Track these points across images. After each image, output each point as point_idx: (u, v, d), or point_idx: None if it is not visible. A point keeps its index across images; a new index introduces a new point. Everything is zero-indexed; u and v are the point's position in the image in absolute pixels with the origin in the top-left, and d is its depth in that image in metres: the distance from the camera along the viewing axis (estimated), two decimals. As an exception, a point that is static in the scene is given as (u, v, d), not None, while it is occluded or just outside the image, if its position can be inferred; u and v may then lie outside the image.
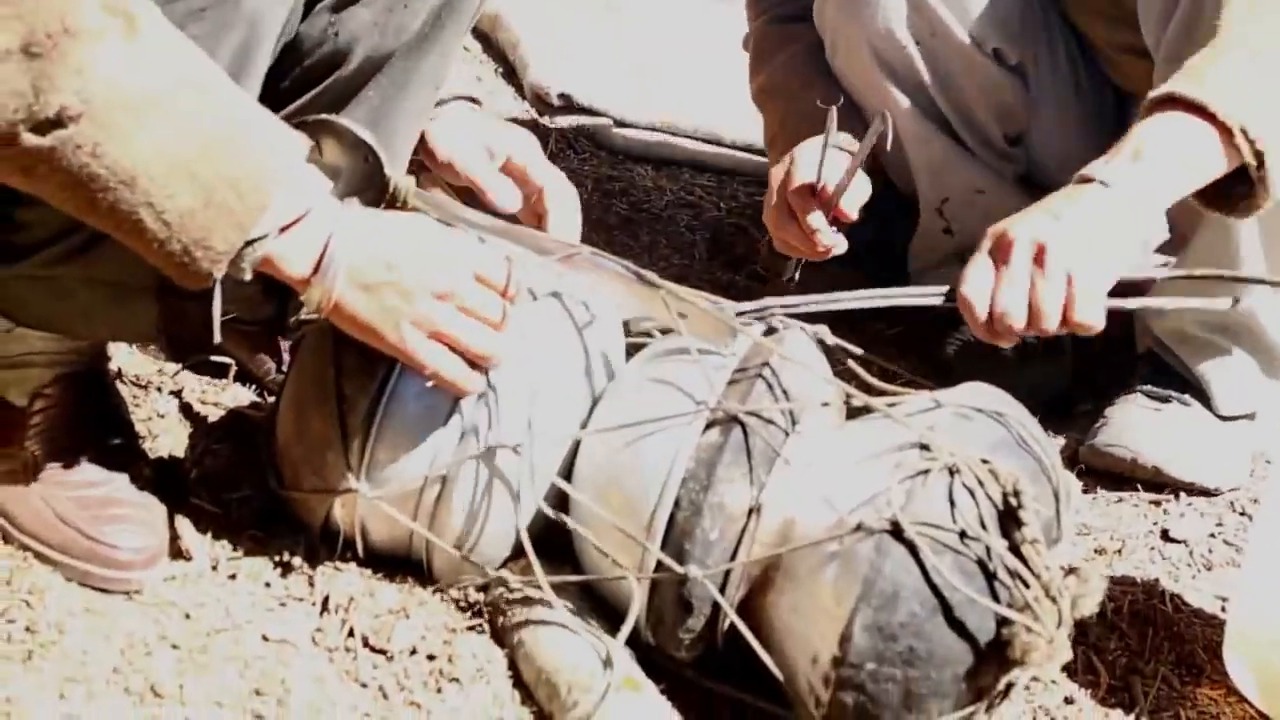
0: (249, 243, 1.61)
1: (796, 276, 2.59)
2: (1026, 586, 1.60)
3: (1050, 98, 2.59)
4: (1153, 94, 2.01)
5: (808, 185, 2.41)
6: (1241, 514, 2.43)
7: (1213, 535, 2.37)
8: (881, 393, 1.80)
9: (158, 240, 1.57)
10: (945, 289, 1.97)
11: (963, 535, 1.62)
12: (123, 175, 1.52)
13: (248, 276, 1.64)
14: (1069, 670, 1.99)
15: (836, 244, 2.44)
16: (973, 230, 2.51)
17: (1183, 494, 2.44)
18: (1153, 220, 1.96)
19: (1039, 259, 1.89)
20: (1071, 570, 1.65)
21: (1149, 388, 2.51)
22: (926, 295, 1.99)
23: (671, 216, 3.20)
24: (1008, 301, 1.89)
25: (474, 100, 2.11)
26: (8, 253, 1.75)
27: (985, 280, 1.91)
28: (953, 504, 1.64)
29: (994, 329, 1.91)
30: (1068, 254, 1.89)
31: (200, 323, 1.83)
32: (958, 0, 2.49)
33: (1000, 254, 1.91)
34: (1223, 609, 2.16)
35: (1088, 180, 1.95)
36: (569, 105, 3.49)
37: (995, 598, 1.61)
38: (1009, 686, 1.63)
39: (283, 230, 1.64)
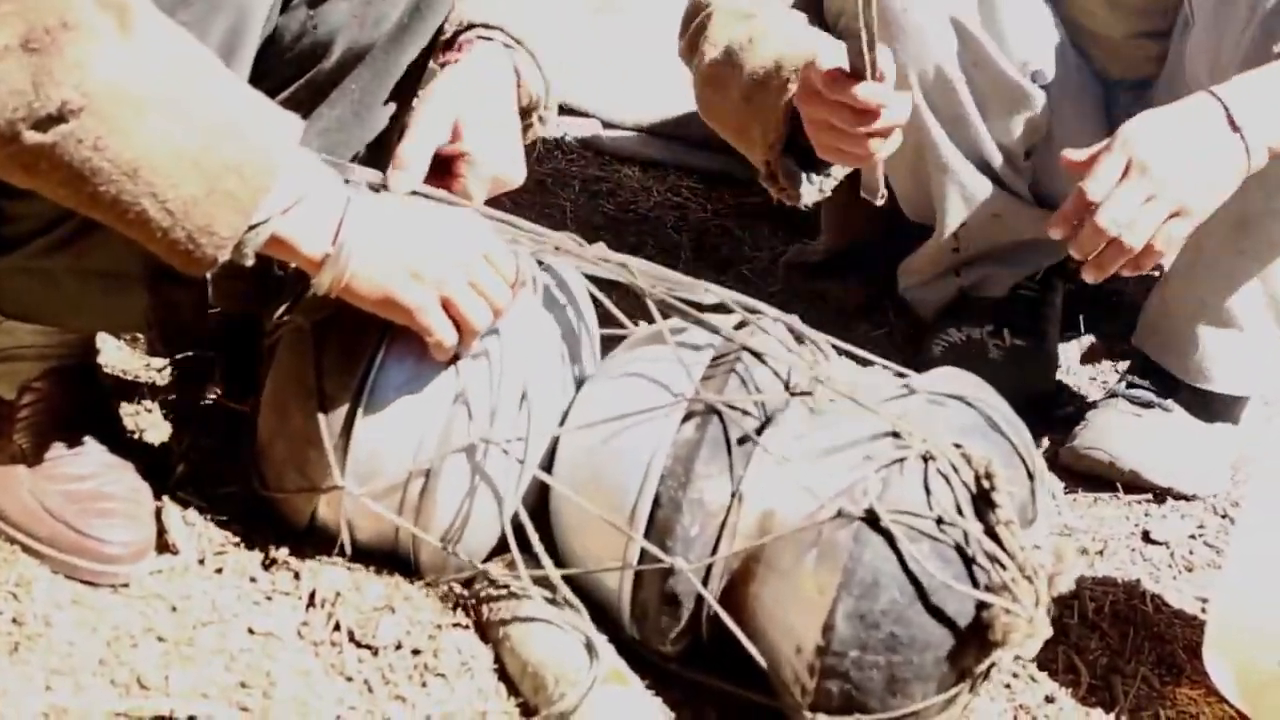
0: (252, 227, 1.61)
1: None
2: (1003, 568, 1.63)
3: (1062, 104, 2.58)
4: None
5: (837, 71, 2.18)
6: (1222, 516, 2.45)
7: (1193, 537, 2.39)
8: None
9: (161, 229, 1.57)
10: None
11: (939, 521, 1.65)
12: (125, 167, 1.52)
13: (250, 261, 1.64)
14: (1050, 669, 2.01)
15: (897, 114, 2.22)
16: (979, 248, 2.63)
17: (1165, 496, 2.46)
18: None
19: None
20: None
21: (1132, 393, 2.52)
22: None
23: (658, 218, 3.21)
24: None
25: (492, 29, 2.01)
26: (2, 244, 1.76)
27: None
28: (928, 491, 1.67)
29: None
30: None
31: (191, 312, 1.83)
32: (996, 26, 2.47)
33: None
34: (1203, 610, 2.17)
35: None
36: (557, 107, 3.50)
37: (973, 581, 1.64)
38: (991, 667, 1.66)
39: (284, 212, 1.64)
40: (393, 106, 2.01)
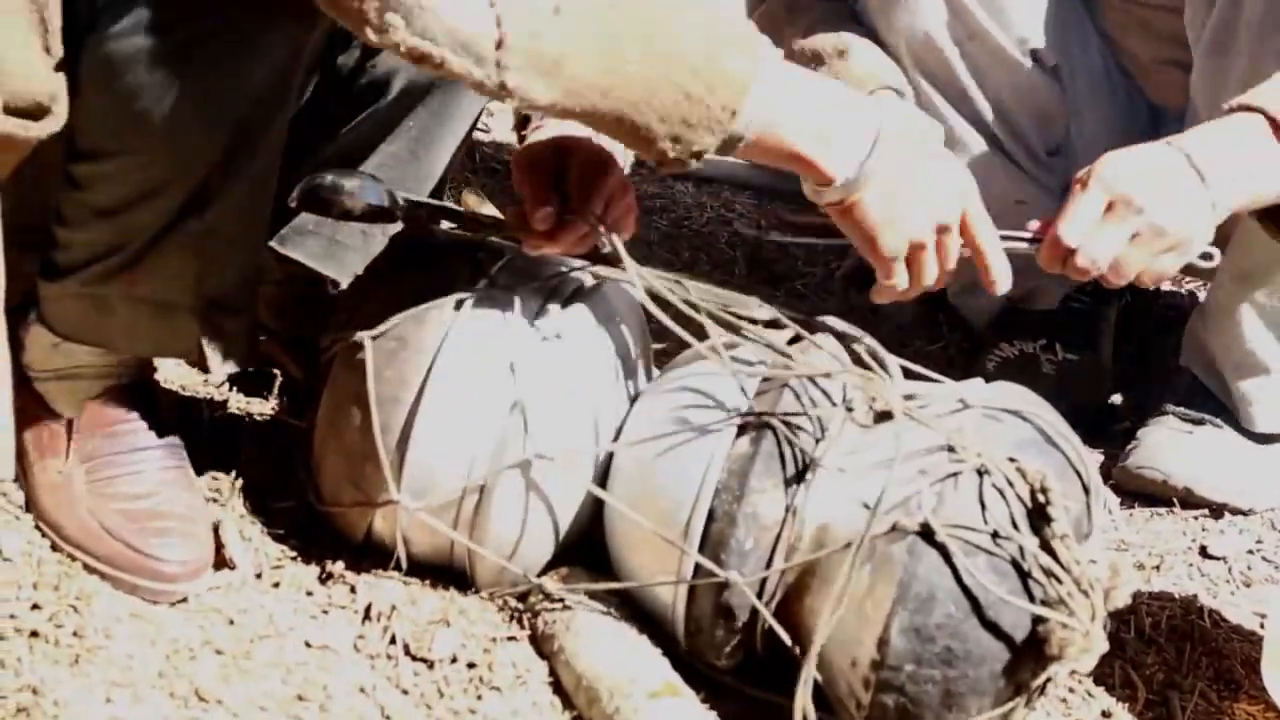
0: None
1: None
2: (1059, 582, 1.62)
3: (1087, 103, 2.57)
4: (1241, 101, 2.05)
5: None
6: (1281, 532, 2.44)
7: (1251, 552, 2.38)
8: (909, 395, 1.83)
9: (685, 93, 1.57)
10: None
11: (994, 535, 1.65)
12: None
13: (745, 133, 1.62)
14: (1106, 685, 2.00)
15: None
16: None
17: (1222, 511, 2.45)
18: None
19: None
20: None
21: (1182, 410, 2.51)
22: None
23: (712, 233, 3.22)
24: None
25: None
26: (52, 269, 1.78)
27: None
28: (983, 505, 1.66)
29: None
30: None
31: (241, 340, 1.84)
32: (993, 1, 2.47)
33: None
34: (1261, 625, 2.15)
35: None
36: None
37: (1029, 595, 1.63)
38: (1047, 682, 1.65)
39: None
40: (450, 148, 2.02)
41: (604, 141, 1.87)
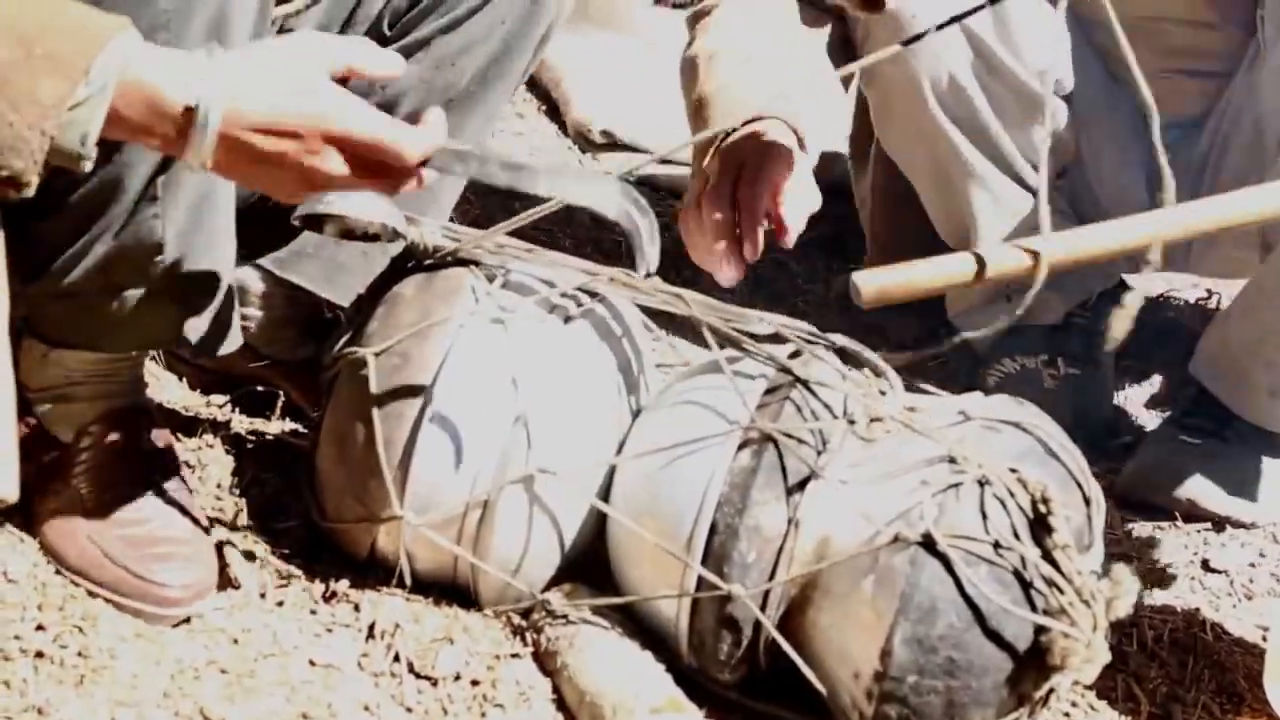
0: (75, 107, 1.42)
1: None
2: (1061, 592, 1.63)
3: (1093, 119, 2.58)
4: None
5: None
6: (1283, 545, 2.44)
7: (1253, 565, 2.38)
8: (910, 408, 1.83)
9: None
10: None
11: (996, 545, 1.65)
12: None
13: (90, 148, 1.44)
14: (1109, 698, 2.00)
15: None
16: None
17: (1224, 524, 2.45)
18: None
19: None
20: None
21: (1188, 421, 2.51)
22: None
23: (711, 251, 3.21)
24: None
25: None
26: (34, 271, 1.76)
27: None
28: (985, 515, 1.67)
29: None
30: None
31: (223, 323, 1.84)
32: (1010, 36, 2.46)
33: None
34: (1263, 638, 2.16)
35: None
36: (611, 142, 3.51)
37: (1031, 605, 1.64)
38: (1050, 693, 1.66)
39: (124, 77, 1.43)
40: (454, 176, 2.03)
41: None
